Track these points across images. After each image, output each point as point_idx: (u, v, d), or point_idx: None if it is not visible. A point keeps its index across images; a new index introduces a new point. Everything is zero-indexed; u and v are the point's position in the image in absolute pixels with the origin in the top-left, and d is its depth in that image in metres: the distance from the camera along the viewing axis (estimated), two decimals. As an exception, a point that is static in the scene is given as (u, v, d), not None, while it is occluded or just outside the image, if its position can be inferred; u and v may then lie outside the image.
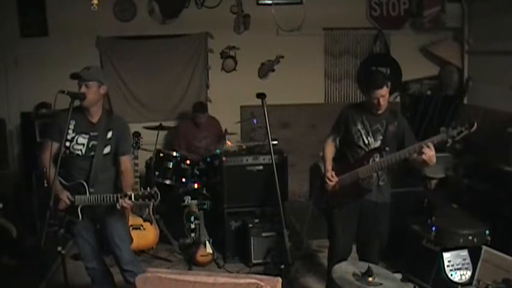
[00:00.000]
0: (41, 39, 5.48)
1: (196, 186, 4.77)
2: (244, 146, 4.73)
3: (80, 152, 3.01)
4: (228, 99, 5.81)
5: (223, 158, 4.35)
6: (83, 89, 2.94)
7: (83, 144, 3.01)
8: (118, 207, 2.87)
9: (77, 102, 2.92)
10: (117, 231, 3.16)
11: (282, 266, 3.27)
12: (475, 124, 2.78)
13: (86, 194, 2.96)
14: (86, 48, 5.55)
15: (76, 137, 3.02)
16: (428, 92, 5.87)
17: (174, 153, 4.88)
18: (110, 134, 3.05)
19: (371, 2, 5.90)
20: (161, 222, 4.62)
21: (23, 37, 5.48)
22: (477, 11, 5.45)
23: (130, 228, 3.63)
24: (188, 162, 4.91)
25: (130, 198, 2.84)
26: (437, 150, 2.97)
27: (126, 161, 3.11)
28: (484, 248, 3.38)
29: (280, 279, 2.31)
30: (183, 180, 4.83)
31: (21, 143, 5.42)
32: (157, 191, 2.84)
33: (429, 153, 2.89)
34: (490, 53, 5.22)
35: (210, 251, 4.23)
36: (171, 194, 4.82)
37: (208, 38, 5.79)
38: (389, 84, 3.13)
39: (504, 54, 4.86)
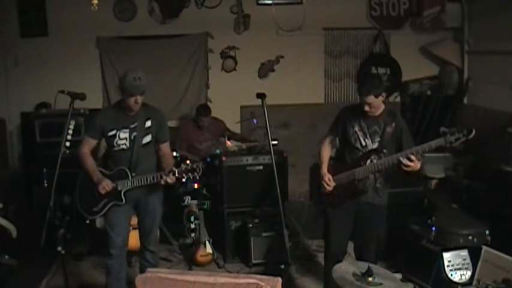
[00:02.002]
0: (41, 39, 5.48)
1: (196, 186, 4.76)
2: (244, 146, 4.73)
3: (124, 146, 3.19)
4: (228, 99, 5.81)
5: (223, 158, 4.35)
6: (141, 99, 3.09)
7: (126, 138, 3.18)
8: (163, 182, 3.06)
9: (79, 103, 2.96)
10: (157, 210, 3.40)
11: (282, 266, 3.26)
12: (473, 131, 2.81)
13: (128, 178, 3.14)
14: (86, 48, 5.55)
15: (118, 133, 3.17)
16: (428, 92, 5.87)
17: (174, 153, 4.86)
18: (148, 123, 3.22)
19: (371, 2, 5.90)
20: (161, 222, 4.60)
21: (23, 37, 5.48)
22: (477, 11, 5.45)
23: (130, 228, 3.66)
24: (188, 162, 4.89)
25: (174, 173, 3.02)
26: (437, 150, 2.98)
27: (166, 147, 3.34)
28: (484, 248, 3.38)
29: (280, 279, 2.31)
30: (183, 180, 4.82)
31: (21, 143, 5.42)
32: (199, 164, 3.03)
33: (409, 164, 2.93)
34: (490, 53, 5.22)
35: (210, 251, 4.22)
36: (171, 194, 4.82)
37: (208, 38, 5.79)
38: (380, 93, 3.10)
39: (504, 54, 4.86)
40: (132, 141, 3.18)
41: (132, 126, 3.18)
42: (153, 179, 3.11)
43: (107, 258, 3.32)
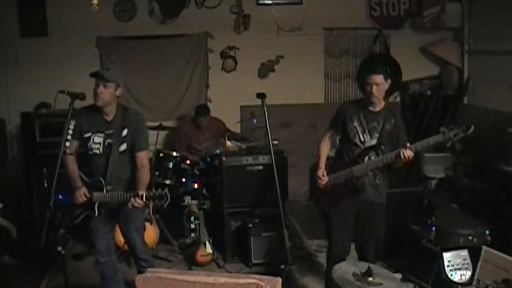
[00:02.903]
0: (41, 39, 5.48)
1: (196, 186, 4.76)
2: (244, 146, 4.73)
3: (97, 151, 3.09)
4: (228, 99, 5.81)
5: (223, 158, 4.35)
6: (101, 89, 2.98)
7: (100, 143, 3.08)
8: (129, 206, 2.92)
9: (78, 103, 2.95)
10: (134, 220, 3.23)
11: (282, 266, 3.26)
12: (472, 127, 2.82)
13: (103, 191, 3.03)
14: (86, 48, 5.55)
15: (92, 137, 3.08)
16: (428, 92, 5.87)
17: (174, 153, 4.87)
18: (125, 132, 3.10)
19: (371, 2, 5.91)
20: (161, 222, 4.62)
21: (23, 37, 5.48)
22: (477, 11, 5.46)
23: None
24: (188, 162, 4.90)
25: (141, 198, 2.88)
26: (437, 150, 2.99)
27: (142, 158, 3.14)
28: (484, 248, 3.39)
29: (280, 279, 2.30)
30: (183, 180, 4.83)
31: (21, 143, 5.41)
32: (168, 193, 2.90)
33: (409, 155, 2.96)
34: (490, 53, 5.22)
35: (210, 251, 4.22)
36: (171, 194, 4.81)
37: (208, 38, 5.79)
38: (388, 78, 3.11)
39: (504, 54, 4.86)
40: (105, 147, 3.07)
41: (107, 132, 3.08)
42: (123, 198, 2.97)
43: (98, 265, 3.29)
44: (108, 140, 3.08)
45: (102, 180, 3.04)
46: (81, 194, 3.02)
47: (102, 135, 3.08)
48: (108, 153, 3.07)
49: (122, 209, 3.17)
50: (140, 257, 3.30)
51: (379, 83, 3.08)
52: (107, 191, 3.03)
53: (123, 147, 3.11)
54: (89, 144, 3.09)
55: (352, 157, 3.23)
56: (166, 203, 2.92)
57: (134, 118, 3.16)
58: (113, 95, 3.05)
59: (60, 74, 5.34)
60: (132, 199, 2.90)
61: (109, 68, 3.07)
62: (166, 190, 2.91)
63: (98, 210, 3.06)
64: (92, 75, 3.01)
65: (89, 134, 3.09)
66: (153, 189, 2.94)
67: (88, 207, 3.07)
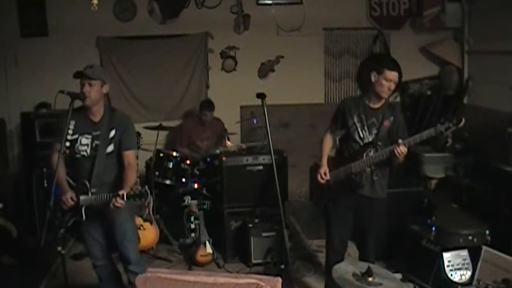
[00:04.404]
0: (41, 39, 5.48)
1: (196, 186, 4.77)
2: (244, 146, 4.73)
3: (85, 153, 3.02)
4: (228, 99, 5.81)
5: (223, 158, 4.35)
6: (86, 88, 2.93)
7: (87, 145, 3.02)
8: (112, 206, 2.84)
9: (78, 103, 2.93)
10: (126, 231, 3.16)
11: (282, 266, 3.26)
12: (463, 120, 2.81)
13: (88, 194, 2.96)
14: (86, 48, 5.55)
15: (79, 138, 3.02)
16: (428, 92, 5.86)
17: (174, 153, 4.88)
18: (112, 133, 3.05)
19: (371, 2, 5.91)
20: (161, 222, 4.62)
21: (23, 37, 5.48)
22: (477, 11, 5.46)
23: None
24: (188, 162, 4.92)
25: (122, 197, 2.80)
26: (437, 150, 2.98)
27: (129, 156, 3.07)
28: (484, 248, 3.39)
29: (280, 279, 2.30)
30: (183, 180, 4.84)
31: (21, 143, 5.41)
32: (147, 190, 2.82)
33: (401, 153, 2.94)
34: (490, 53, 5.22)
35: (210, 251, 4.22)
36: (171, 194, 4.82)
37: (208, 38, 5.79)
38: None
39: (504, 54, 4.86)
40: (93, 149, 3.01)
41: (95, 133, 3.02)
42: (106, 199, 2.88)
43: (94, 268, 3.26)
44: (96, 142, 3.02)
45: (87, 183, 2.97)
46: (68, 198, 2.95)
47: (90, 136, 3.02)
48: (94, 155, 3.01)
49: (111, 216, 3.10)
50: (130, 269, 3.18)
51: (396, 82, 3.09)
52: (91, 193, 2.96)
53: (110, 148, 3.05)
54: (76, 147, 3.01)
55: (351, 153, 3.23)
56: (147, 201, 2.85)
57: (122, 119, 3.11)
58: (100, 93, 3.00)
59: (60, 74, 5.30)
60: (113, 199, 2.82)
61: (92, 66, 3.00)
62: (146, 188, 2.84)
63: (84, 214, 2.98)
64: (76, 75, 2.94)
65: (76, 136, 3.01)
66: (133, 188, 2.88)
67: (76, 212, 2.99)
